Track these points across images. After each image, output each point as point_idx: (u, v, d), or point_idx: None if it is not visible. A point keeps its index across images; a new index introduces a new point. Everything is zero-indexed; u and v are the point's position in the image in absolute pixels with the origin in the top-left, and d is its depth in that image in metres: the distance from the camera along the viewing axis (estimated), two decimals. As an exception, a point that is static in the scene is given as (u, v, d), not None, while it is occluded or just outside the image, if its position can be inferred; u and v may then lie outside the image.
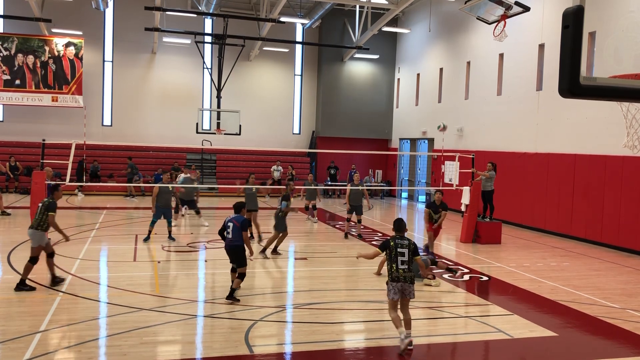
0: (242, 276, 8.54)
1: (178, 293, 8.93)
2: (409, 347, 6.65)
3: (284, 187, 13.31)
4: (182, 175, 19.64)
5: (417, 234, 16.32)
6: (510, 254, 13.47)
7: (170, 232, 13.44)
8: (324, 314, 8.02)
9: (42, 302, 8.28)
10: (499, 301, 9.21)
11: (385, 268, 7.67)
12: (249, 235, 8.54)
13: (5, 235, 13.80)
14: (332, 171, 26.87)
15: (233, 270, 8.70)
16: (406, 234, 7.30)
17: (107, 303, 8.38)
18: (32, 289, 8.81)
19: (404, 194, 28.18)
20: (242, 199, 12.14)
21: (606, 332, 7.81)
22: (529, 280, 10.62)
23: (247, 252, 8.61)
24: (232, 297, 8.40)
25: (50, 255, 9.11)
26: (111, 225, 15.85)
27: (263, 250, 11.98)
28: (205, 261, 11.54)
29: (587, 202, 15.37)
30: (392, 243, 6.91)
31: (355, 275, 10.39)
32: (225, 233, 8.57)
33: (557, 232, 16.44)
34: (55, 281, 9.15)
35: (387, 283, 6.91)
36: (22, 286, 8.78)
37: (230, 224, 8.50)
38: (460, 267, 11.62)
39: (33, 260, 8.88)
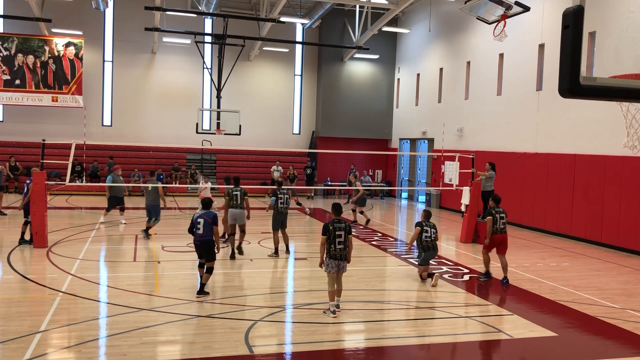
0: (210, 270, 8.93)
1: (178, 293, 8.93)
2: (335, 315, 7.93)
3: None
4: (201, 181, 18.76)
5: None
6: (510, 254, 13.43)
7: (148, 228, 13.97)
8: (324, 314, 8.02)
9: (42, 302, 8.29)
10: (499, 301, 9.20)
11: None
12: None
13: (5, 235, 13.80)
14: (309, 171, 26.42)
15: (201, 266, 8.97)
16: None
17: (107, 303, 8.38)
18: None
19: (404, 194, 28.18)
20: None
21: (606, 332, 7.81)
22: (529, 280, 10.62)
23: (215, 247, 8.99)
24: (202, 292, 8.75)
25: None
26: (111, 225, 15.85)
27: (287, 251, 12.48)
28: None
29: (587, 202, 15.37)
30: (331, 227, 7.96)
31: (354, 275, 10.38)
32: (195, 229, 8.87)
33: (557, 232, 16.44)
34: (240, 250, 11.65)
35: (325, 259, 8.01)
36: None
37: (201, 220, 8.82)
38: (461, 268, 11.63)
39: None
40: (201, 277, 8.94)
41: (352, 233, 8.51)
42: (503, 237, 10.35)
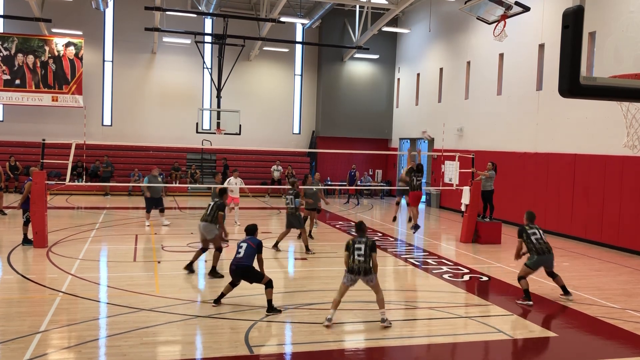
0: (270, 284, 8.11)
1: (178, 293, 8.93)
2: (386, 325, 7.54)
3: (289, 186, 13.76)
4: (231, 179, 16.89)
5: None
6: (510, 254, 13.37)
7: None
8: (324, 314, 8.00)
9: (42, 302, 8.29)
10: (499, 301, 9.20)
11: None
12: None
13: (5, 235, 13.80)
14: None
15: (233, 284, 8.29)
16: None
17: (107, 303, 8.37)
18: (222, 276, 9.91)
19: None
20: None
21: (606, 332, 7.81)
22: (529, 280, 10.59)
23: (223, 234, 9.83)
24: (272, 310, 8.03)
25: (219, 249, 10.39)
26: (111, 225, 15.85)
27: (275, 246, 12.92)
28: (205, 261, 11.54)
29: (587, 202, 15.37)
30: (350, 242, 7.73)
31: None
32: (236, 253, 8.18)
33: (557, 232, 16.43)
34: (215, 274, 10.08)
35: (345, 272, 7.71)
36: (214, 273, 10.08)
37: (244, 245, 8.13)
38: (461, 268, 11.63)
39: (220, 249, 10.35)
40: (223, 294, 8.28)
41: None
42: (418, 193, 13.62)
